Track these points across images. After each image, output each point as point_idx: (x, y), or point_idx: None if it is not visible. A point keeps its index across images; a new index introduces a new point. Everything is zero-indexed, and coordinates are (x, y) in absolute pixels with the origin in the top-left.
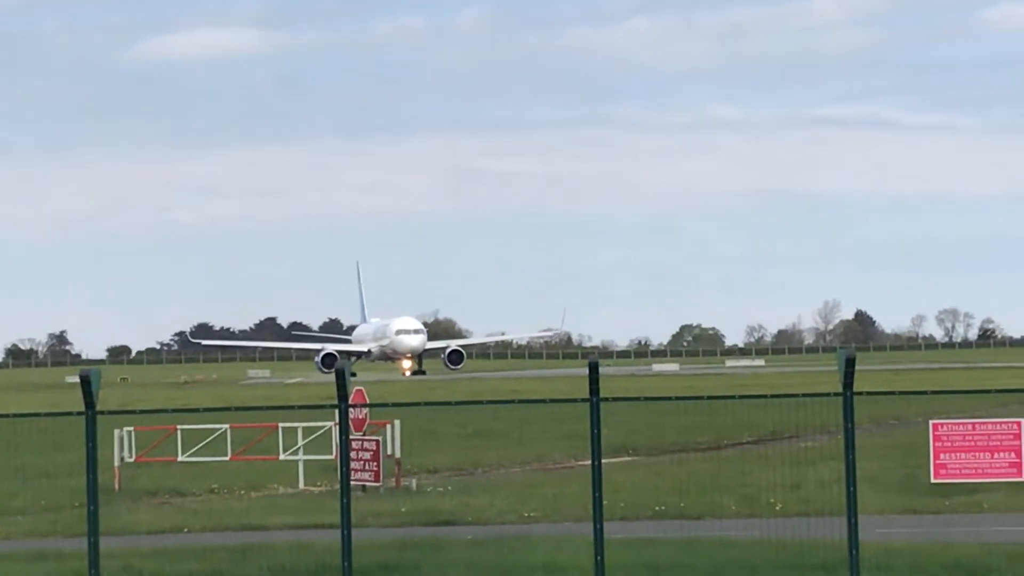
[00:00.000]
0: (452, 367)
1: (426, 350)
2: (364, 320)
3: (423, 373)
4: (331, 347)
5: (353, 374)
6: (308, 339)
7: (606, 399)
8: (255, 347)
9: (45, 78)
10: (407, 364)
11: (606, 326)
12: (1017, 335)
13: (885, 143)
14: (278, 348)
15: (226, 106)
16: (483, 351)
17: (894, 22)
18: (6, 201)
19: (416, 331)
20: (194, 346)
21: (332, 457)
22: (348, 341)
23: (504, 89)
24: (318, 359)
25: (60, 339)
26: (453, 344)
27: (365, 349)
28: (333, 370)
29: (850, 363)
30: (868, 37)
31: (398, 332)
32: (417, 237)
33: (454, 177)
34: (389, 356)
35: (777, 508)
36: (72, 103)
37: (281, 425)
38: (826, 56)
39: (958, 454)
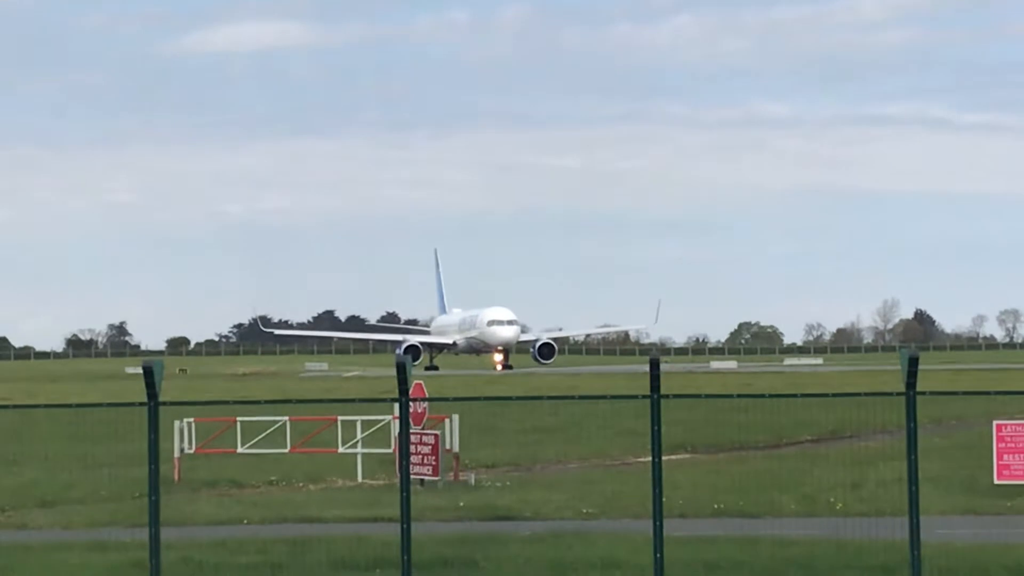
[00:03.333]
0: (543, 362)
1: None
2: (443, 311)
3: (510, 367)
4: (413, 339)
5: (435, 368)
6: (383, 330)
7: (666, 396)
8: (323, 337)
9: (93, 71)
10: (499, 357)
11: (664, 323)
12: None
13: (935, 142)
14: (352, 339)
15: (271, 99)
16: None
17: (940, 21)
18: (60, 193)
19: (510, 322)
20: (251, 338)
21: (391, 451)
22: (417, 332)
23: (548, 85)
24: (400, 351)
25: (120, 330)
26: (544, 337)
27: (450, 341)
28: (416, 363)
29: (913, 363)
30: (914, 36)
31: (490, 323)
32: (466, 231)
33: (503, 172)
34: (477, 349)
35: (837, 507)
36: (121, 96)
37: (340, 418)
38: (872, 54)
39: (1022, 455)
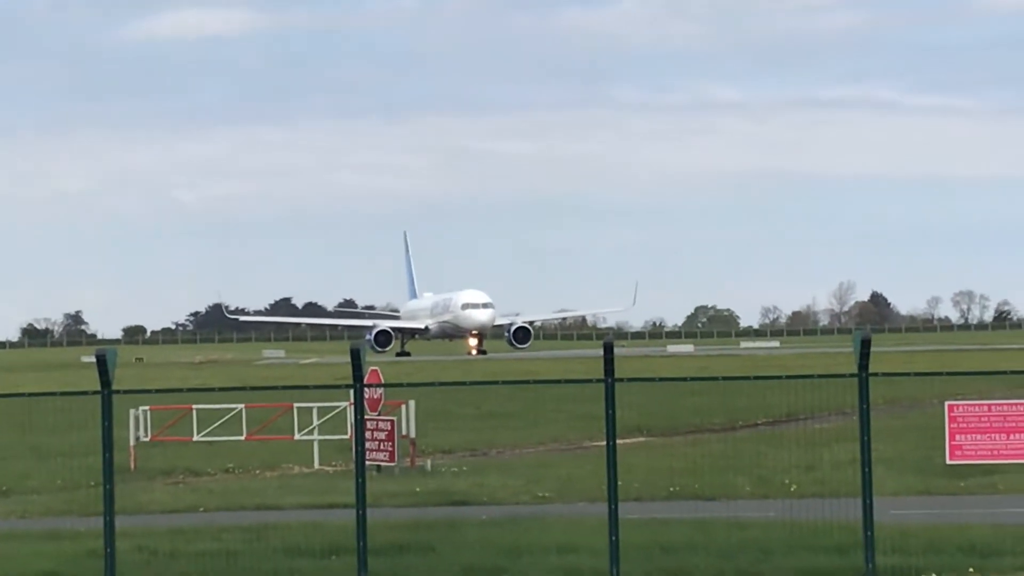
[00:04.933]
0: (518, 346)
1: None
2: (413, 295)
3: (484, 352)
4: (384, 324)
5: (407, 353)
6: (350, 316)
7: (621, 380)
8: (286, 324)
9: (39, 58)
10: (474, 342)
11: (621, 307)
12: None
13: (885, 125)
14: (320, 326)
15: (220, 87)
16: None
17: (887, 3)
18: (10, 181)
19: (485, 305)
20: (208, 326)
21: (347, 437)
22: (387, 318)
23: (498, 71)
24: (370, 336)
25: (76, 319)
26: (518, 321)
27: (422, 326)
28: (387, 349)
29: (866, 344)
30: (861, 19)
31: (464, 306)
32: (418, 217)
33: (454, 158)
34: (450, 334)
35: (792, 489)
36: (69, 84)
37: (296, 405)
38: (820, 38)
39: (974, 435)
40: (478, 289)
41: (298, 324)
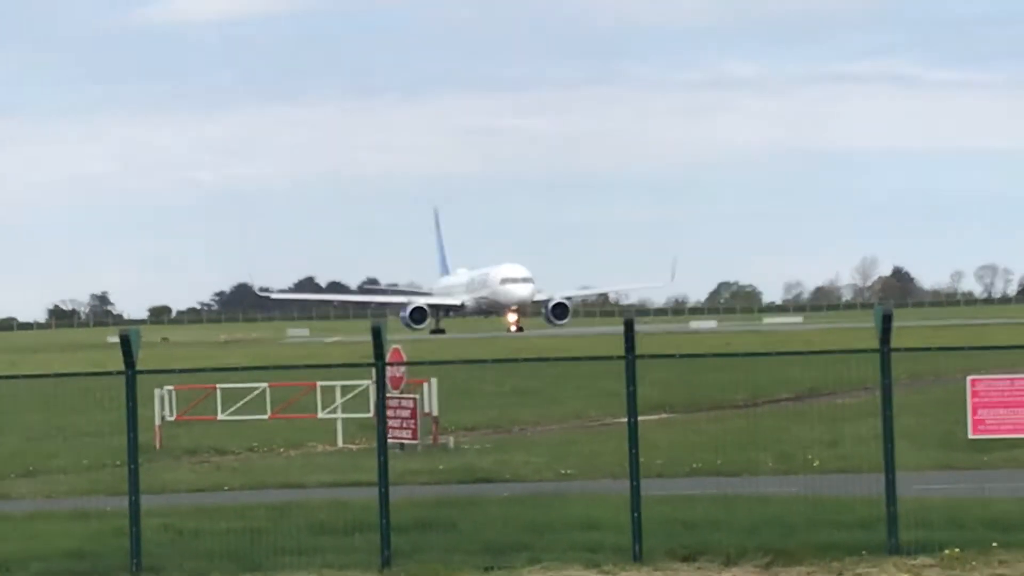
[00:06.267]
0: (557, 322)
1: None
2: (446, 272)
3: (521, 330)
4: (419, 300)
5: (442, 331)
6: (380, 292)
7: (642, 356)
8: (319, 302)
9: (63, 41)
10: (513, 317)
11: (644, 284)
12: None
13: (905, 99)
14: (351, 302)
15: (240, 67)
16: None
17: None
18: (32, 164)
19: (525, 279)
20: (233, 305)
21: (370, 415)
22: (415, 294)
23: (516, 48)
24: (405, 313)
25: (102, 300)
26: (557, 296)
27: (458, 302)
28: (423, 326)
29: (887, 319)
30: None
31: (503, 281)
32: (437, 195)
33: (472, 135)
34: (487, 310)
35: (815, 465)
36: (91, 65)
37: (319, 384)
38: (839, 12)
39: (997, 409)
40: (489, 267)
41: (329, 302)
